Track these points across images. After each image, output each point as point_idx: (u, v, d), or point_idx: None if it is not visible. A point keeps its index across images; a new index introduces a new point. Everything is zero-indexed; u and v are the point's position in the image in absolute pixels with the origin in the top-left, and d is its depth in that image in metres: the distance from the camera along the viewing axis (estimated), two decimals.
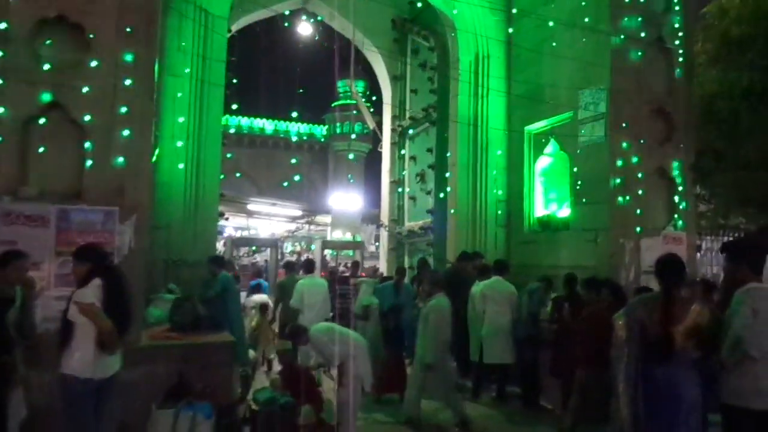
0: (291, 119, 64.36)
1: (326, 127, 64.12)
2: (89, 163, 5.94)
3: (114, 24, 6.10)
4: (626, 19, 8.49)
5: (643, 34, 8.49)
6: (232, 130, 62.61)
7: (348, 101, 54.26)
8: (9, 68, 5.73)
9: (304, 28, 13.44)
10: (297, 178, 57.02)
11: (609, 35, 8.44)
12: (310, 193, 56.83)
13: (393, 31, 12.85)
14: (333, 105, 60.43)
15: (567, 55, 9.00)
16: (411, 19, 12.46)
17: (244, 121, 64.09)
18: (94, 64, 5.99)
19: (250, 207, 18.76)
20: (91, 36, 6.02)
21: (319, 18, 13.11)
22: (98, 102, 6.00)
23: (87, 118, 5.96)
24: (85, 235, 5.82)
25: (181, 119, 8.61)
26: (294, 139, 64.59)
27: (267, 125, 64.91)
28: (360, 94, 33.79)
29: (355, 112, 52.30)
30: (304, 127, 65.62)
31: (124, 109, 6.07)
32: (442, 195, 10.81)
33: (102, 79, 6.02)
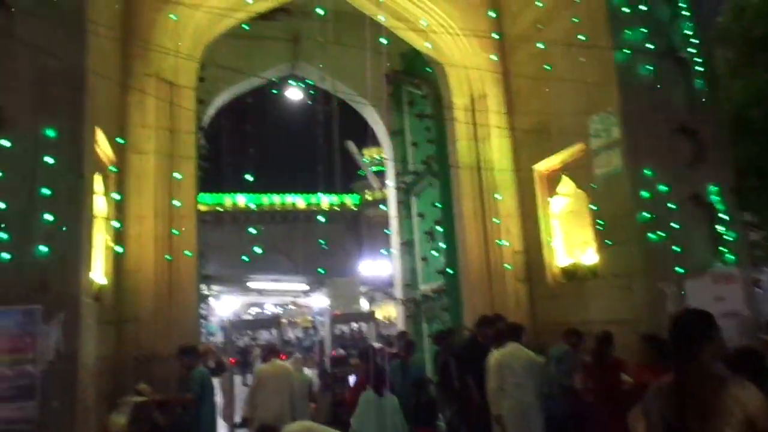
0: (321, 191, 64.81)
1: (357, 196, 64.08)
2: (6, 256, 5.13)
3: (34, 97, 5.43)
4: (628, 31, 7.48)
5: (650, 46, 7.44)
6: (264, 208, 63.52)
7: (377, 168, 54.10)
8: None
9: (297, 94, 12.87)
10: (330, 249, 56.49)
11: (612, 51, 7.44)
12: (345, 262, 56.06)
13: (387, 86, 12.12)
14: (360, 173, 60.58)
15: (569, 80, 7.99)
16: (403, 70, 11.73)
17: (276, 198, 64.88)
18: (7, 144, 5.26)
19: (251, 285, 17.87)
20: (7, 113, 5.32)
21: (308, 82, 12.55)
22: (14, 185, 5.24)
23: (4, 205, 5.19)
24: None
25: (146, 198, 7.83)
26: (325, 210, 64.72)
27: (298, 200, 65.50)
28: (363, 158, 33.18)
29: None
30: (334, 198, 65.82)
31: (46, 192, 5.30)
32: (451, 252, 9.67)
33: (18, 159, 5.29)
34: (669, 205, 7.14)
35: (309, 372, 9.51)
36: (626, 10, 7.51)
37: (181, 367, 7.04)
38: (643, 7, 7.56)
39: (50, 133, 5.41)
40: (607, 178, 7.51)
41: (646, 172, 7.16)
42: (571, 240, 8.74)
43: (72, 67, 5.62)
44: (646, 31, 7.47)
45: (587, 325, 7.49)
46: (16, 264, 5.12)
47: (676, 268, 6.97)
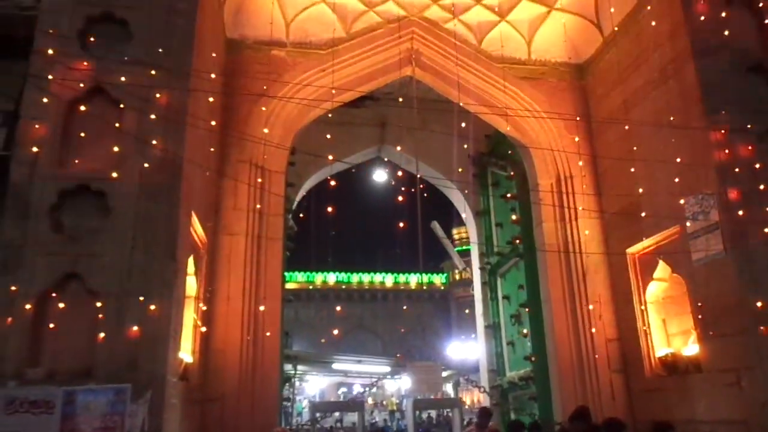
0: (409, 271, 64.73)
1: (445, 275, 63.48)
2: (102, 335, 5.42)
3: (135, 185, 5.87)
4: (724, 112, 7.15)
5: (749, 126, 7.05)
6: (353, 286, 64.01)
7: (464, 248, 53.67)
8: (27, 242, 5.54)
9: (383, 177, 13.20)
10: (417, 329, 55.80)
11: (707, 131, 7.11)
12: (433, 343, 54.94)
13: (472, 168, 12.19)
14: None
15: (661, 162, 7.68)
16: (488, 152, 11.79)
17: (365, 277, 65.34)
18: (111, 228, 5.68)
19: (336, 366, 17.80)
20: (111, 200, 5.79)
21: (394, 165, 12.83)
22: (115, 268, 5.60)
23: (102, 286, 5.54)
24: (91, 420, 5.12)
25: (235, 278, 8.11)
26: (413, 289, 64.29)
27: (387, 279, 65.62)
28: (451, 238, 32.77)
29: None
30: (423, 277, 65.43)
31: (141, 273, 5.61)
32: (539, 337, 9.23)
33: (118, 242, 5.67)
34: None
35: None
36: (721, 88, 7.22)
37: None
38: (740, 85, 7.24)
39: (148, 219, 5.78)
40: (708, 263, 7.01)
41: (753, 257, 6.62)
42: (670, 329, 8.14)
43: (171, 157, 6.05)
44: (743, 109, 7.11)
45: (692, 425, 6.84)
46: (110, 342, 5.38)
47: None
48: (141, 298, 5.51)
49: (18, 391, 5.11)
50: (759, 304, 6.44)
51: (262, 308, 8.14)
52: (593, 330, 8.63)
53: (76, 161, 5.93)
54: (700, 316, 7.16)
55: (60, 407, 5.12)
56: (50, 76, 5.96)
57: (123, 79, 6.13)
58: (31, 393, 5.12)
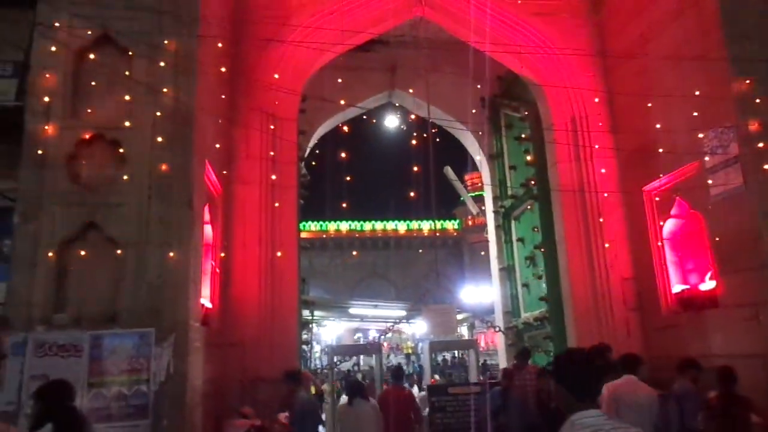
0: (422, 218, 64.86)
1: (458, 221, 63.64)
2: (125, 282, 5.52)
3: (149, 134, 5.86)
4: (745, 42, 6.92)
5: None
6: (366, 234, 64.38)
7: (477, 193, 53.56)
8: (45, 193, 5.59)
9: (394, 122, 13.05)
10: (431, 274, 56.18)
11: (727, 63, 6.91)
12: (446, 288, 55.49)
13: (484, 110, 12.00)
14: (461, 199, 60.11)
15: (679, 96, 7.51)
16: (501, 93, 11.58)
17: (378, 225, 65.61)
18: (127, 177, 5.70)
19: (352, 311, 18.16)
20: (126, 150, 5.79)
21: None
22: (133, 217, 5.66)
23: (122, 235, 5.61)
24: (118, 363, 5.30)
25: (250, 226, 8.17)
26: (426, 236, 64.61)
27: (400, 226, 65.86)
28: (462, 183, 32.63)
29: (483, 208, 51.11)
30: (436, 224, 65.58)
31: (159, 222, 5.66)
32: (554, 279, 9.28)
33: (136, 192, 5.71)
34: None
35: None
36: (741, 17, 6.98)
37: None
38: (761, 14, 6.98)
39: (163, 167, 5.79)
40: (727, 198, 6.93)
41: None
42: (686, 266, 8.13)
43: (183, 106, 6.01)
44: (764, 38, 6.88)
45: (707, 360, 6.87)
46: (132, 289, 5.49)
47: None
48: (161, 246, 5.58)
49: (47, 335, 5.28)
50: None
51: (279, 254, 8.22)
52: (609, 269, 8.65)
53: (89, 111, 5.90)
54: (717, 252, 7.15)
55: (88, 350, 5.29)
56: (57, 24, 5.88)
57: (130, 26, 6.04)
58: (59, 337, 5.28)
